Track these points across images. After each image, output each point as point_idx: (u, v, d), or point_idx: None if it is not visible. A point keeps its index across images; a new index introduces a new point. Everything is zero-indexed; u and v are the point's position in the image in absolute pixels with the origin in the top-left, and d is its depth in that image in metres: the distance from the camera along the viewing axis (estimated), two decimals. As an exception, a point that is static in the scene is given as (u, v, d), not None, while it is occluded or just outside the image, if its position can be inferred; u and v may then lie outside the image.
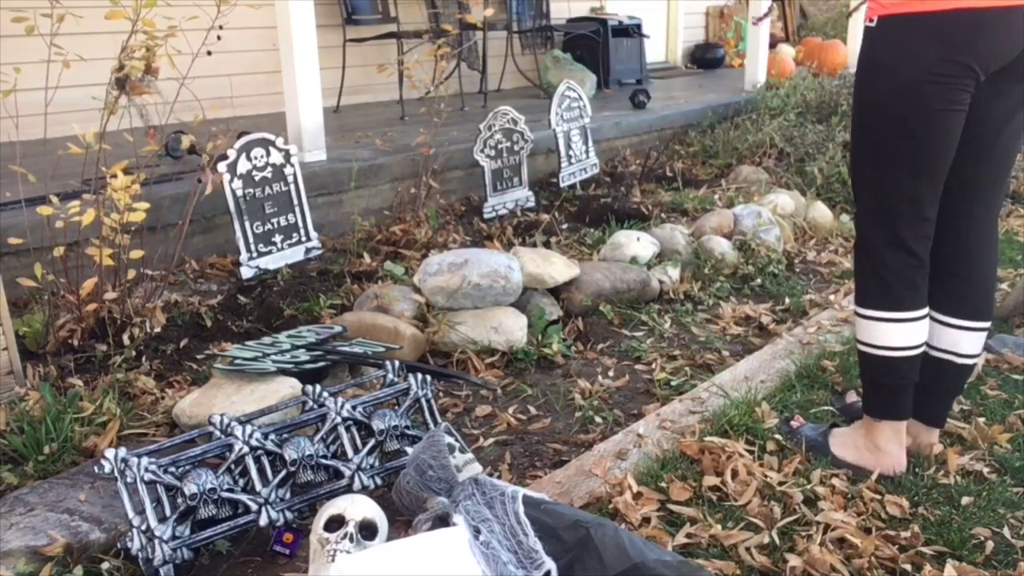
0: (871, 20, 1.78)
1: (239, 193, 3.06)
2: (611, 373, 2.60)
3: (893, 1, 1.72)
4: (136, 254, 2.47)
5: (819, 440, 2.05)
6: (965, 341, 1.94)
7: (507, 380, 2.54)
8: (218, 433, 1.82)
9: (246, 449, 1.79)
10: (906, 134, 1.78)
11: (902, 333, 1.87)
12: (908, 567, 1.66)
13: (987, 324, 1.94)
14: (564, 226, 3.78)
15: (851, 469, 1.97)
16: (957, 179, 1.85)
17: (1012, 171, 2.10)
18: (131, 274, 2.53)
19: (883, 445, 1.95)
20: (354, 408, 1.95)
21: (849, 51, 7.22)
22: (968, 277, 1.93)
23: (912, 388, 1.93)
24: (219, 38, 2.50)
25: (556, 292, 2.96)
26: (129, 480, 1.67)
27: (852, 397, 2.26)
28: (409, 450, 1.94)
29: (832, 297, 3.15)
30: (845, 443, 2.02)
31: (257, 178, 3.13)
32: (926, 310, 1.88)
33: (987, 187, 1.88)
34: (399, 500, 1.83)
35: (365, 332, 2.54)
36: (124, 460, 1.67)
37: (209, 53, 2.49)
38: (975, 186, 1.87)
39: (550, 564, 1.49)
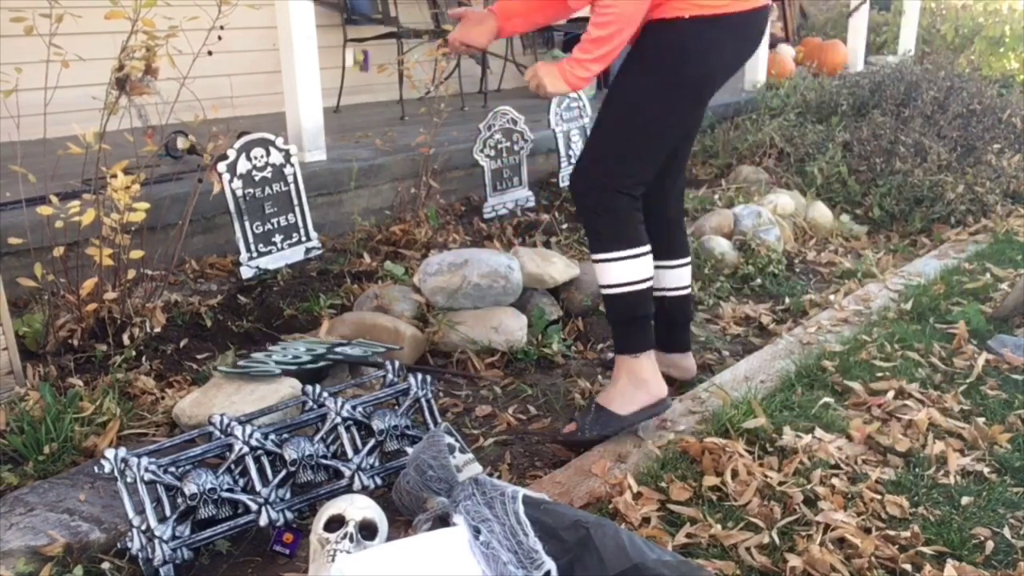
0: (683, 16, 2.00)
1: (239, 193, 3.06)
2: (611, 373, 2.60)
3: (704, 3, 1.98)
4: (136, 254, 2.47)
5: (597, 416, 2.14)
6: (679, 276, 2.37)
7: (507, 380, 2.54)
8: (218, 433, 1.82)
9: (246, 449, 1.79)
10: (693, 107, 2.16)
11: (639, 267, 2.11)
12: (908, 567, 1.66)
13: (689, 259, 2.40)
14: (564, 226, 3.78)
15: (640, 417, 2.13)
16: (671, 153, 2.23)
17: None
18: (131, 274, 2.53)
19: (648, 376, 2.15)
20: (354, 408, 1.95)
21: (849, 51, 7.21)
22: (672, 225, 2.35)
23: (652, 317, 2.20)
24: (220, 38, 2.50)
25: (556, 292, 2.96)
26: (129, 480, 1.67)
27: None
28: (409, 450, 1.94)
29: (832, 297, 3.15)
30: (621, 399, 2.14)
31: (257, 178, 3.13)
32: (650, 246, 2.15)
33: (684, 158, 2.36)
34: (399, 500, 1.83)
35: (365, 332, 2.54)
36: (124, 460, 1.67)
37: (210, 53, 2.49)
38: (681, 155, 2.33)
39: (550, 564, 1.49)
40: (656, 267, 2.23)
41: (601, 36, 1.97)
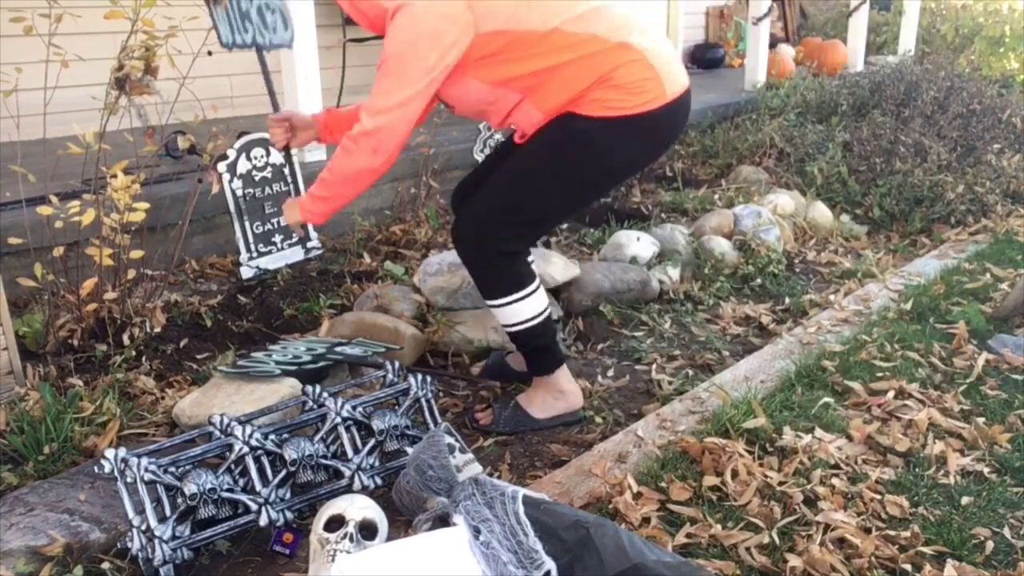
0: (592, 116, 2.00)
1: (239, 193, 3.06)
2: (611, 373, 2.60)
3: (614, 106, 1.99)
4: (136, 254, 2.47)
5: (514, 414, 2.27)
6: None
7: (507, 381, 2.54)
8: (218, 433, 1.82)
9: (246, 449, 1.79)
10: (590, 195, 2.27)
11: (534, 303, 2.17)
12: (908, 567, 1.66)
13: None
14: (564, 226, 3.78)
15: (554, 422, 2.26)
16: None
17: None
18: (131, 274, 2.53)
19: (565, 387, 2.28)
20: (354, 408, 1.95)
21: (849, 51, 7.21)
22: None
23: (555, 335, 2.29)
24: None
25: (556, 292, 2.96)
26: (129, 480, 1.67)
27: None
28: (409, 450, 1.94)
29: (832, 297, 3.14)
30: (540, 405, 2.27)
31: (257, 178, 3.13)
32: (539, 278, 2.21)
33: None
34: (399, 500, 1.83)
35: (365, 332, 2.54)
36: (124, 460, 1.67)
37: (209, 53, 2.49)
38: None
39: (550, 564, 1.49)
40: None
41: (324, 185, 2.09)
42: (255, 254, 3.14)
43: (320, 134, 2.34)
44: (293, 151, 3.22)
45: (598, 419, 2.31)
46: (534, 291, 2.16)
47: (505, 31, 1.93)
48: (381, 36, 2.02)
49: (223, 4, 2.32)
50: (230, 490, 1.75)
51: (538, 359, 2.26)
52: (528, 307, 2.15)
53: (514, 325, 2.18)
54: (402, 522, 1.82)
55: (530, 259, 2.31)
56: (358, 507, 1.66)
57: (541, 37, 1.94)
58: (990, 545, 1.73)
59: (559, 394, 2.27)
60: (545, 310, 2.19)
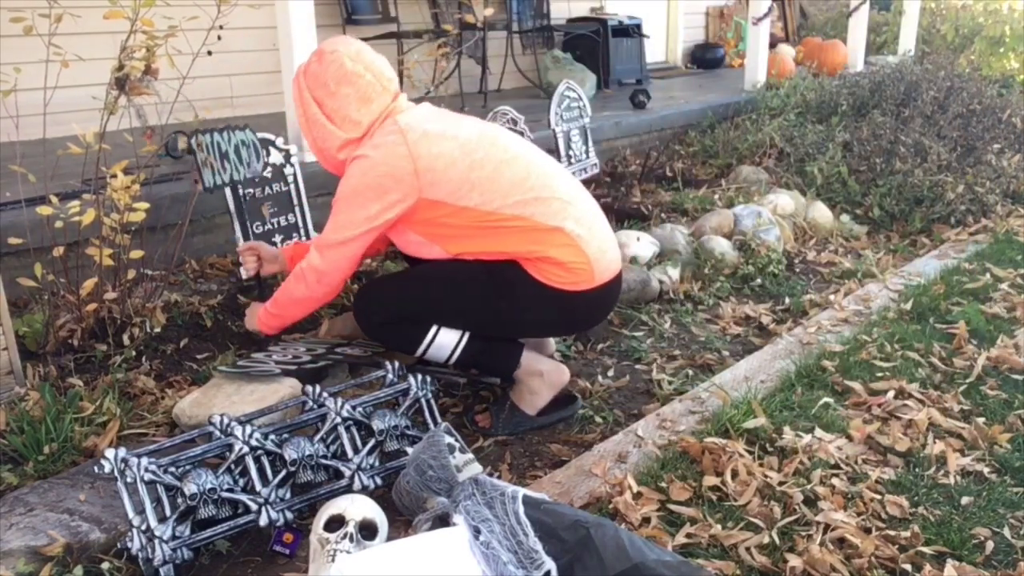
0: (528, 274, 2.08)
1: (239, 193, 3.06)
2: (611, 373, 2.60)
3: (551, 281, 2.08)
4: (136, 254, 2.47)
5: (512, 415, 2.27)
6: None
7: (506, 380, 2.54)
8: (218, 433, 1.82)
9: (246, 449, 1.79)
10: (489, 327, 2.20)
11: (444, 337, 2.18)
12: (908, 567, 1.66)
13: None
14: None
15: (551, 409, 2.27)
16: None
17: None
18: (131, 274, 2.53)
19: (541, 367, 2.27)
20: (354, 408, 1.95)
21: (849, 51, 7.21)
22: None
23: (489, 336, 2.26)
24: (219, 38, 2.50)
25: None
26: (129, 480, 1.67)
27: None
28: (409, 450, 1.94)
29: (832, 297, 3.14)
30: (525, 400, 2.27)
31: (257, 178, 3.13)
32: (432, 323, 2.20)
33: None
34: (399, 500, 1.83)
35: (365, 332, 2.53)
36: (124, 460, 1.67)
37: (209, 53, 2.49)
38: None
39: (550, 564, 1.49)
40: None
41: (276, 305, 2.26)
42: (255, 254, 3.13)
43: (286, 266, 2.53)
44: (293, 155, 3.23)
45: (598, 419, 2.31)
46: (438, 329, 2.18)
47: (447, 203, 2.05)
48: None
49: (208, 159, 2.42)
50: (230, 490, 1.75)
51: (495, 365, 2.29)
52: (445, 338, 2.18)
53: (449, 357, 2.21)
54: (402, 522, 1.82)
55: None
56: (358, 507, 1.66)
57: (480, 214, 2.06)
58: (990, 545, 1.73)
59: (539, 375, 2.26)
60: (458, 333, 2.19)
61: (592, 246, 2.10)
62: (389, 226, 2.10)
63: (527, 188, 2.07)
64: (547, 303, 2.11)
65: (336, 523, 1.64)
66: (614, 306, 2.31)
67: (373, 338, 2.30)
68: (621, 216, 3.86)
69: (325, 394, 1.97)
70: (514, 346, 2.26)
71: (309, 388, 1.99)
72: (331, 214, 2.12)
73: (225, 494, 1.74)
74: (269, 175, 3.18)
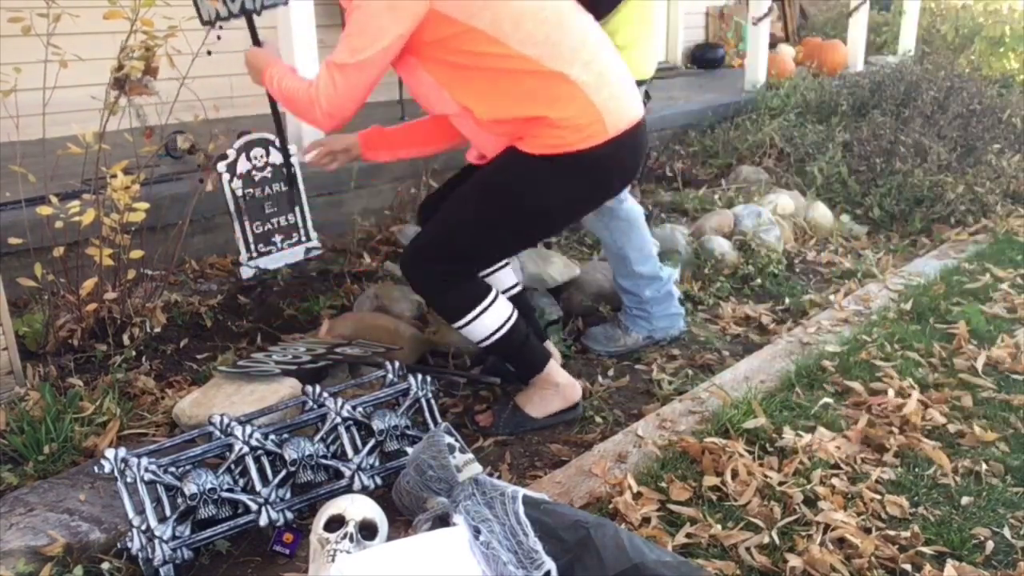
0: (532, 153, 2.01)
1: (239, 193, 3.05)
2: (611, 373, 2.60)
3: (552, 143, 1.99)
4: (136, 254, 2.47)
5: (514, 415, 2.28)
6: (504, 277, 2.42)
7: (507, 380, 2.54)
8: (218, 433, 1.82)
9: (246, 449, 1.79)
10: (532, 232, 2.25)
11: (497, 313, 2.16)
12: (908, 567, 1.66)
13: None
14: (564, 226, 3.78)
15: (555, 419, 2.28)
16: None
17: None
18: (131, 274, 2.53)
19: (559, 381, 2.28)
20: (354, 408, 1.95)
21: (849, 51, 7.21)
22: None
23: (529, 333, 2.26)
24: (219, 38, 2.50)
25: (556, 292, 2.96)
26: (129, 480, 1.67)
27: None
28: (409, 450, 1.94)
29: (832, 297, 3.14)
30: (533, 404, 2.28)
31: (257, 178, 3.12)
32: (495, 289, 2.21)
33: None
34: (399, 500, 1.83)
35: (365, 332, 2.54)
36: (124, 460, 1.67)
37: (209, 53, 2.49)
38: None
39: (550, 564, 1.49)
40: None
41: (276, 86, 2.20)
42: (255, 254, 3.13)
43: (359, 153, 2.49)
44: (293, 155, 3.23)
45: (598, 419, 2.31)
46: (491, 303, 2.16)
47: (457, 20, 1.95)
48: None
49: None
50: (230, 490, 1.75)
51: (520, 362, 2.29)
52: (490, 320, 2.15)
53: (484, 340, 2.19)
54: (402, 522, 1.82)
55: (502, 265, 2.40)
56: (358, 507, 1.66)
57: (488, 41, 1.95)
58: (990, 545, 1.73)
59: (554, 388, 2.27)
60: (510, 317, 2.18)
61: (601, 93, 2.00)
62: (403, 44, 1.98)
63: (539, 20, 1.97)
64: (565, 173, 2.03)
65: (336, 523, 1.64)
66: (642, 159, 2.21)
67: (425, 293, 2.22)
68: (621, 216, 3.85)
69: (325, 394, 1.97)
70: (543, 352, 2.29)
71: (309, 388, 1.99)
72: (342, 38, 2.00)
73: (225, 494, 1.74)
74: (269, 175, 3.18)
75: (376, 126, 2.51)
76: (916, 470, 1.99)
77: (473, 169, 2.24)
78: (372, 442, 1.94)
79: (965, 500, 1.87)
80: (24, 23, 2.18)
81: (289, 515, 1.80)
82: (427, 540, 1.55)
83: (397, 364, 2.10)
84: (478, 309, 2.14)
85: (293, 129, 3.70)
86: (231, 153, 3.04)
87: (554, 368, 2.29)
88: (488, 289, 2.18)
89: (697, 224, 3.66)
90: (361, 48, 1.96)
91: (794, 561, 1.65)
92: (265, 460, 1.83)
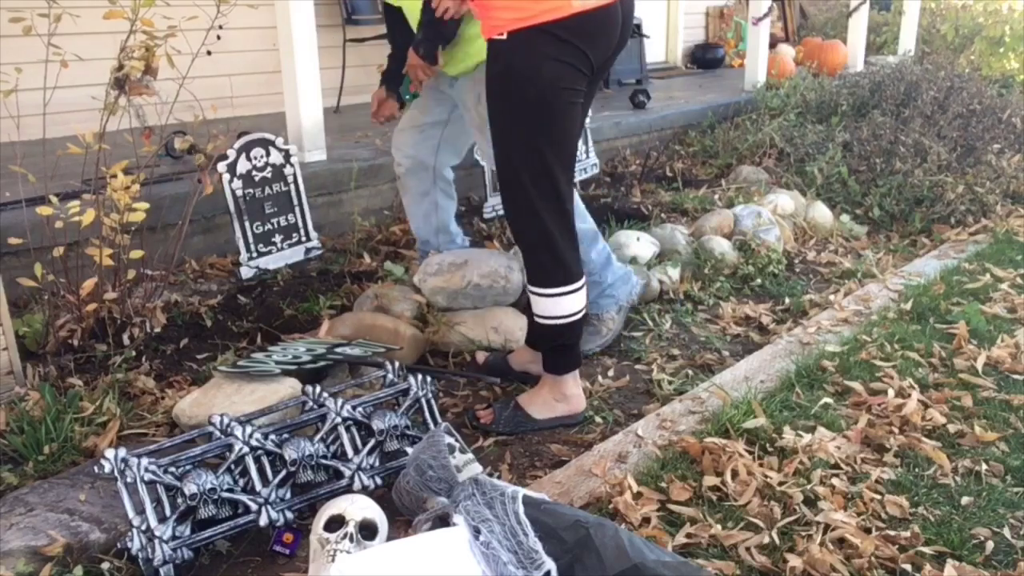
0: (502, 35, 1.99)
1: (239, 193, 3.06)
2: (611, 373, 2.60)
3: (516, 16, 1.95)
4: (136, 254, 2.47)
5: (514, 414, 2.27)
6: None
7: (507, 380, 2.54)
8: (218, 433, 1.82)
9: (246, 449, 1.79)
10: (553, 118, 2.04)
11: (574, 301, 2.18)
12: (908, 567, 1.66)
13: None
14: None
15: (554, 423, 2.27)
16: None
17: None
18: (131, 274, 2.53)
19: (569, 393, 2.28)
20: (354, 408, 1.95)
21: (849, 51, 7.21)
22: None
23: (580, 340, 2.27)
24: (219, 38, 2.50)
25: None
26: (129, 480, 1.67)
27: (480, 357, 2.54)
28: (409, 450, 1.94)
29: (832, 297, 3.14)
30: (537, 405, 2.28)
31: (257, 178, 3.13)
32: (585, 278, 2.21)
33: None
34: (399, 500, 1.83)
35: (365, 332, 2.54)
36: (124, 460, 1.67)
37: (209, 53, 2.49)
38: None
39: (550, 564, 1.49)
40: None
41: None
42: (255, 254, 3.14)
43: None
44: (293, 155, 3.23)
45: (598, 419, 2.31)
46: (578, 289, 2.16)
47: None
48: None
49: None
50: (230, 490, 1.75)
51: (556, 358, 2.26)
52: (567, 304, 2.15)
53: (547, 318, 2.18)
54: (402, 522, 1.82)
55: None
56: (358, 507, 1.66)
57: None
58: (990, 545, 1.73)
59: (563, 397, 2.27)
60: (581, 310, 2.20)
61: None
62: None
63: None
64: (535, 46, 1.97)
65: (336, 523, 1.64)
66: (615, 40, 2.10)
67: (527, 252, 2.18)
68: (621, 216, 3.85)
69: (325, 394, 1.97)
70: (578, 361, 2.28)
71: (309, 388, 1.99)
72: None
73: (225, 494, 1.74)
74: (269, 175, 3.18)
75: None
76: (916, 470, 1.99)
77: None
78: (372, 442, 1.94)
79: (965, 500, 1.87)
80: (25, 23, 2.18)
81: (289, 515, 1.80)
82: (427, 540, 1.55)
83: (397, 364, 2.10)
84: (565, 288, 2.14)
85: (294, 129, 3.70)
86: (231, 153, 3.05)
87: (574, 378, 2.28)
88: (582, 275, 2.19)
89: (697, 224, 3.66)
90: None
91: (794, 561, 1.65)
92: (265, 460, 1.83)
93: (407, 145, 2.87)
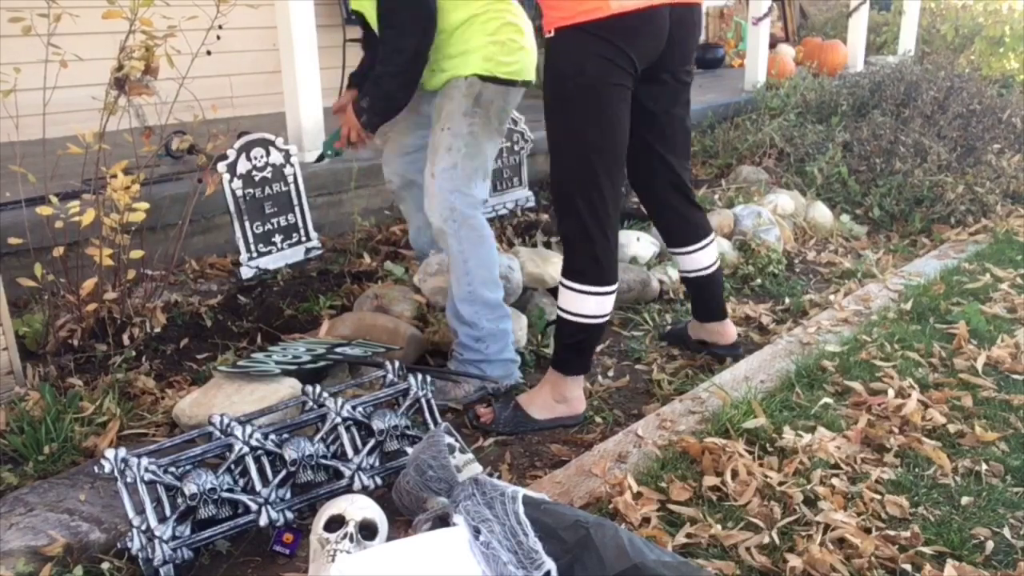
0: (550, 32, 2.10)
1: (239, 193, 3.06)
2: (611, 373, 2.60)
3: (561, 15, 2.05)
4: (136, 254, 2.47)
5: (514, 414, 2.29)
6: (702, 257, 2.54)
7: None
8: (218, 433, 1.82)
9: (246, 449, 1.79)
10: (593, 124, 2.10)
11: (601, 304, 2.20)
12: (908, 567, 1.66)
13: (707, 239, 2.55)
14: (564, 226, 3.77)
15: (554, 424, 2.28)
16: (644, 151, 2.37)
17: (691, 138, 2.71)
18: (131, 274, 2.53)
19: (570, 395, 2.29)
20: (354, 408, 1.95)
21: (849, 51, 7.21)
22: (676, 218, 2.51)
23: (595, 348, 2.31)
24: (219, 38, 2.50)
25: (556, 292, 2.95)
26: (129, 480, 1.67)
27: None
28: (409, 450, 1.94)
29: (832, 297, 3.14)
30: (537, 406, 2.29)
31: (257, 178, 3.13)
32: (616, 285, 2.23)
33: (668, 152, 2.39)
34: (399, 500, 1.83)
35: (365, 332, 2.54)
36: (124, 460, 1.67)
37: (209, 53, 2.49)
38: (658, 153, 2.38)
39: (550, 564, 1.49)
40: (673, 253, 2.60)
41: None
42: (255, 254, 3.14)
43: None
44: (293, 155, 3.23)
45: (598, 419, 2.31)
46: (605, 293, 2.18)
47: None
48: None
49: None
50: (230, 490, 1.75)
51: (566, 356, 2.27)
52: (591, 304, 2.18)
53: (568, 312, 2.21)
54: (402, 522, 1.82)
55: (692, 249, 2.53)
56: (358, 507, 1.66)
57: None
58: (990, 545, 1.73)
59: (563, 399, 2.28)
60: (604, 317, 2.21)
61: None
62: None
63: None
64: (579, 43, 2.06)
65: (336, 523, 1.64)
66: (659, 43, 2.14)
67: (568, 241, 2.23)
68: (621, 216, 3.85)
69: (325, 394, 1.97)
70: (586, 366, 2.30)
71: (309, 388, 1.99)
72: None
73: (225, 494, 1.74)
74: (269, 175, 3.18)
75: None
76: (916, 470, 1.99)
77: None
78: (372, 442, 1.94)
79: (965, 500, 1.87)
80: (24, 23, 2.18)
81: (289, 515, 1.80)
82: (427, 540, 1.55)
83: (397, 364, 2.10)
84: (596, 288, 2.18)
85: (294, 129, 3.70)
86: (231, 153, 3.05)
87: (577, 382, 2.29)
88: (614, 281, 2.21)
89: (697, 224, 3.66)
90: None
91: (794, 561, 1.65)
92: (265, 460, 1.83)
93: (396, 166, 2.80)
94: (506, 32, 2.38)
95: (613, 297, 2.22)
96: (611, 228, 2.18)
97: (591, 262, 2.17)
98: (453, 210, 2.32)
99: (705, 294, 2.61)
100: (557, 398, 2.28)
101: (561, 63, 2.09)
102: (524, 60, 2.42)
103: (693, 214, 2.53)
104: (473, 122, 2.34)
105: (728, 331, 2.65)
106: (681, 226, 2.53)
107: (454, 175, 2.32)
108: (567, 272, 2.22)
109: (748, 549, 1.70)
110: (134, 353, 2.46)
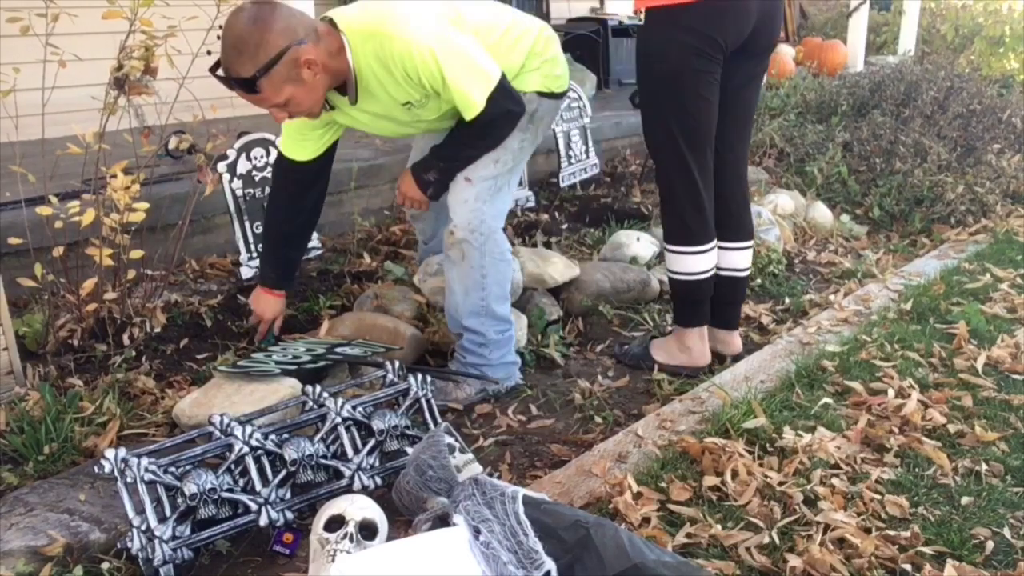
0: (639, 11, 2.28)
1: (239, 193, 3.06)
2: (611, 373, 2.60)
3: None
4: (136, 254, 2.47)
5: (642, 352, 2.61)
6: (739, 258, 2.59)
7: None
8: (218, 433, 1.82)
9: (246, 449, 1.79)
10: (677, 100, 2.29)
11: (703, 261, 2.45)
12: (908, 567, 1.66)
13: (750, 242, 2.62)
14: (564, 226, 3.78)
15: (672, 369, 2.54)
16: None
17: (753, 127, 2.79)
18: (131, 274, 2.53)
19: (692, 345, 2.53)
20: (354, 408, 1.95)
21: (849, 51, 7.21)
22: (730, 211, 2.55)
23: (708, 300, 2.53)
24: (219, 38, 2.49)
25: (556, 292, 2.96)
26: (129, 480, 1.67)
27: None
28: (409, 450, 1.94)
29: (832, 297, 3.14)
30: (663, 350, 2.58)
31: (257, 178, 3.13)
32: (715, 242, 2.47)
33: (735, 139, 2.48)
34: (399, 500, 1.83)
35: (365, 332, 2.54)
36: (124, 460, 1.67)
37: (209, 53, 2.48)
38: (725, 138, 2.45)
39: (550, 564, 1.49)
40: (719, 247, 2.59)
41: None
42: (255, 254, 3.13)
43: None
44: None
45: (598, 419, 2.31)
46: (702, 252, 2.42)
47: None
48: None
49: None
50: (230, 490, 1.75)
51: (683, 310, 2.53)
52: (692, 262, 2.43)
53: (675, 272, 2.48)
54: (402, 522, 1.82)
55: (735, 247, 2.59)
56: (358, 507, 1.66)
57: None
58: (990, 545, 1.73)
59: (685, 348, 2.53)
60: (703, 272, 2.45)
61: None
62: None
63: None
64: (665, 25, 2.21)
65: (336, 523, 1.64)
66: (747, 25, 2.26)
67: (663, 203, 2.48)
68: (621, 216, 3.86)
69: (325, 394, 1.97)
70: (704, 318, 2.53)
71: (309, 388, 1.99)
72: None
73: (225, 494, 1.74)
74: (269, 175, 3.17)
75: None
76: (916, 470, 1.99)
77: None
78: (372, 442, 1.94)
79: (965, 500, 1.87)
80: (23, 23, 2.18)
81: (289, 515, 1.80)
82: (427, 540, 1.55)
83: (397, 364, 2.10)
84: (689, 248, 2.42)
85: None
86: (231, 153, 3.04)
87: (697, 333, 2.52)
88: (709, 239, 2.43)
89: (697, 224, 3.66)
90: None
91: (794, 561, 1.65)
92: (265, 460, 1.83)
93: (421, 223, 2.85)
94: (550, 48, 2.41)
95: (713, 253, 2.46)
96: (701, 196, 2.38)
97: (682, 227, 2.42)
98: (483, 222, 2.28)
99: (729, 298, 2.62)
100: (680, 348, 2.53)
101: (647, 47, 2.29)
102: (566, 70, 2.48)
103: (743, 209, 2.61)
104: (524, 137, 2.35)
105: (735, 342, 2.68)
106: (731, 219, 2.57)
107: (492, 187, 2.31)
108: (666, 237, 2.49)
109: (748, 549, 1.70)
110: (134, 353, 2.46)
